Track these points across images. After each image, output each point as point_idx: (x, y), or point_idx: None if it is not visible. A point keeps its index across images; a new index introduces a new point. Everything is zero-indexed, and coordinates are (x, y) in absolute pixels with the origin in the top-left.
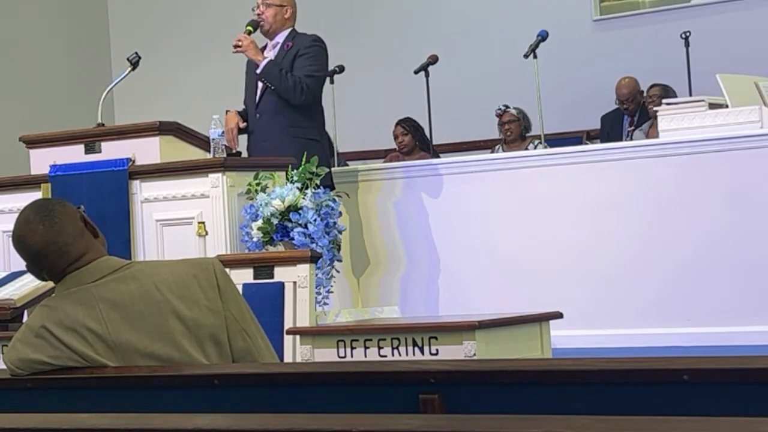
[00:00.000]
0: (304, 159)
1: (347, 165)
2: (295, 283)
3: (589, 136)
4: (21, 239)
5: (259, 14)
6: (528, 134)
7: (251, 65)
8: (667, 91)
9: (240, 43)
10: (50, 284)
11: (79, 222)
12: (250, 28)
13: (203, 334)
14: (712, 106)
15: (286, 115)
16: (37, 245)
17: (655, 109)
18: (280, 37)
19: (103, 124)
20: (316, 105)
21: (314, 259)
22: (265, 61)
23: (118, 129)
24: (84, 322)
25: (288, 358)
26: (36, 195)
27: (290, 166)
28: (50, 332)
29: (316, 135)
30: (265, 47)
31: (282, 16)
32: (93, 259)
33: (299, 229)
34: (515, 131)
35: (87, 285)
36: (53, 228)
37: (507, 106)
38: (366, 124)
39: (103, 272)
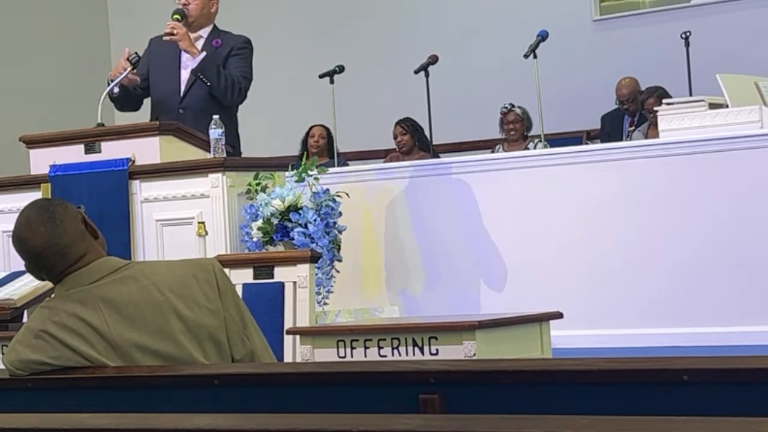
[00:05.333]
0: (304, 159)
1: (347, 165)
2: (295, 283)
3: (589, 136)
4: (22, 240)
5: (184, 4)
6: (528, 134)
7: (167, 51)
8: (661, 99)
9: (174, 32)
10: (50, 284)
11: (80, 224)
12: (177, 16)
13: (203, 334)
14: (712, 106)
15: (211, 115)
16: (38, 247)
17: (655, 108)
18: (204, 32)
19: (103, 124)
20: (236, 110)
21: (314, 259)
22: (201, 56)
23: (118, 129)
24: (85, 321)
25: (288, 358)
26: (36, 195)
27: (290, 166)
28: (50, 333)
29: (234, 141)
30: None
31: (208, 10)
32: (93, 260)
33: (299, 229)
34: (518, 131)
35: (87, 286)
36: (55, 230)
37: (512, 105)
38: (366, 124)
39: (103, 273)
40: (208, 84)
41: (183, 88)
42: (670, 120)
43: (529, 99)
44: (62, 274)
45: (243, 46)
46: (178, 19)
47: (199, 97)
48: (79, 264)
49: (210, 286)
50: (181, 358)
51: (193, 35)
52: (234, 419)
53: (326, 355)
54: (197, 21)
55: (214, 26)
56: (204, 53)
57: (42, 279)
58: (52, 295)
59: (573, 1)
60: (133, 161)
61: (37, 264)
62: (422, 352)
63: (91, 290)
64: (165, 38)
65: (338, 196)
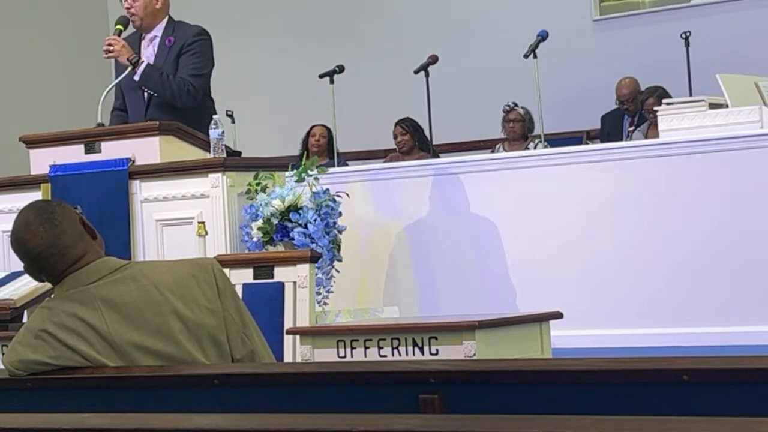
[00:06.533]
0: (304, 158)
1: (347, 165)
2: (295, 283)
3: (589, 136)
4: (21, 242)
5: (127, 8)
6: (530, 135)
7: (123, 68)
8: (661, 99)
9: (111, 48)
10: (50, 284)
11: (79, 224)
12: (119, 27)
13: (203, 334)
14: (712, 106)
15: (181, 121)
16: (38, 248)
17: (655, 108)
18: (158, 30)
19: (103, 124)
20: (206, 102)
21: (314, 259)
22: (142, 66)
23: (118, 129)
24: (84, 321)
25: (288, 358)
26: (36, 195)
27: (290, 166)
28: (50, 333)
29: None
30: (141, 40)
31: (153, 8)
32: (92, 260)
33: (299, 229)
34: (519, 131)
35: (86, 286)
36: (53, 231)
37: (515, 104)
38: (366, 124)
39: (102, 273)
40: (154, 94)
41: (145, 102)
42: (670, 120)
43: (529, 99)
44: (62, 274)
45: (193, 41)
46: (120, 30)
47: (160, 108)
48: (79, 264)
49: (209, 285)
50: (180, 358)
51: (148, 36)
52: (234, 419)
53: (326, 355)
54: (145, 21)
55: (169, 20)
56: (145, 63)
57: (41, 281)
58: (52, 296)
59: (573, 1)
60: (133, 161)
61: (36, 265)
62: (422, 352)
63: (91, 290)
64: (104, 56)
65: (338, 196)
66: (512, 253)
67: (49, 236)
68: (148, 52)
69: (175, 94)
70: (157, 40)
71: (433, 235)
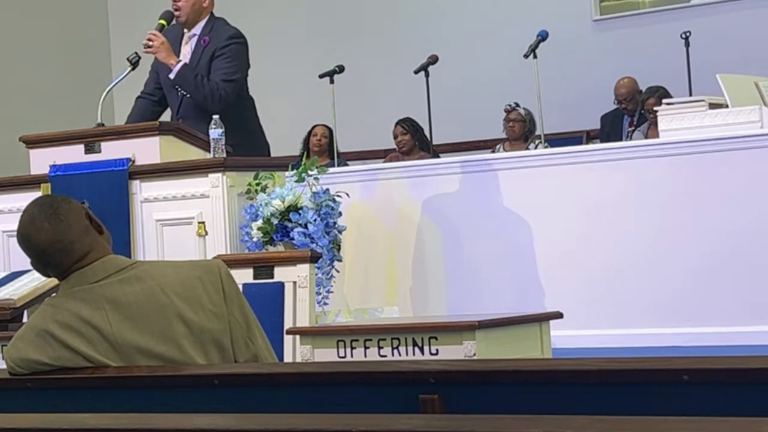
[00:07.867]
0: (304, 158)
1: (347, 165)
2: (295, 283)
3: (589, 136)
4: (26, 237)
5: (174, 1)
6: (530, 136)
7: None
8: (662, 99)
9: (150, 43)
10: (50, 284)
11: (84, 219)
12: (163, 21)
13: (207, 338)
14: (712, 106)
15: (208, 120)
16: (43, 243)
17: (655, 108)
18: (198, 28)
19: (103, 124)
20: (241, 104)
21: (314, 259)
22: (178, 66)
23: (118, 129)
24: (88, 321)
25: (288, 358)
26: (36, 195)
27: (290, 166)
28: (52, 333)
29: (239, 139)
30: (182, 37)
31: (200, 5)
32: (98, 257)
33: (299, 229)
34: (518, 131)
35: (91, 284)
36: (59, 226)
37: (517, 104)
38: (366, 124)
39: (108, 272)
40: (188, 95)
41: (178, 98)
42: (670, 120)
43: (529, 99)
44: (67, 270)
45: (226, 44)
46: (162, 25)
47: (191, 105)
48: (85, 261)
49: (215, 289)
50: (182, 362)
51: (188, 32)
52: (234, 419)
53: (326, 355)
54: (190, 18)
55: (209, 18)
56: (181, 63)
57: (48, 276)
58: (56, 293)
59: (573, 1)
60: (133, 161)
61: (42, 260)
62: (422, 352)
63: (96, 289)
64: (144, 50)
65: (338, 196)
66: (512, 253)
67: (54, 232)
68: (186, 50)
69: (207, 98)
70: (195, 39)
71: (432, 236)
